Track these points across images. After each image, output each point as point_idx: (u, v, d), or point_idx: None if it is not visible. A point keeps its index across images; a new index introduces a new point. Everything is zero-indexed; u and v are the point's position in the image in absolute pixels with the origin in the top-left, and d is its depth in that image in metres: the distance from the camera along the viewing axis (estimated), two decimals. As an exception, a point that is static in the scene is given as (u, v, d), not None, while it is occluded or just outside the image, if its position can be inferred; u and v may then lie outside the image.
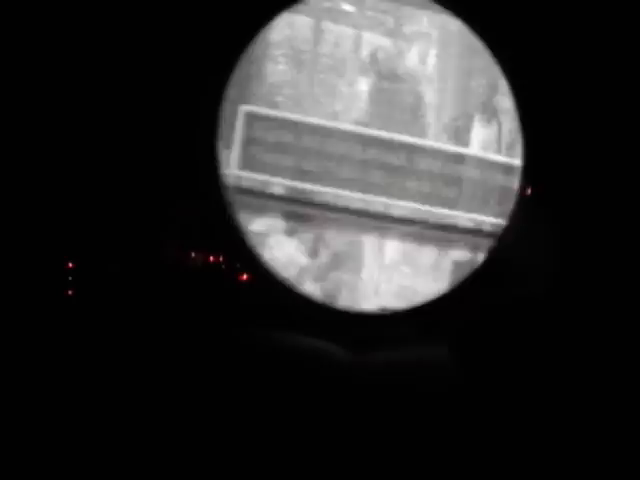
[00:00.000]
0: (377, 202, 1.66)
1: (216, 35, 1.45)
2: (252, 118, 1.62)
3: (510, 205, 1.57)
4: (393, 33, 1.73)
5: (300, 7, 1.62)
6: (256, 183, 1.64)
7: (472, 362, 1.36)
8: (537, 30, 1.49)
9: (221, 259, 1.53)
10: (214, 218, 1.49)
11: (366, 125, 1.67)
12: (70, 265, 1.48)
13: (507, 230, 1.51)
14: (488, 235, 1.67)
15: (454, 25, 1.65)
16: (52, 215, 1.47)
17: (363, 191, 1.65)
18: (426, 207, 1.67)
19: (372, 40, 1.73)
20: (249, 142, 1.62)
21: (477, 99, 1.73)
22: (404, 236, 1.68)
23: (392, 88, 1.72)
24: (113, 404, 1.31)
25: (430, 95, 1.73)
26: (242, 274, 1.52)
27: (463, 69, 1.73)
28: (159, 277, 1.47)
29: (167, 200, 1.49)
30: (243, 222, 1.54)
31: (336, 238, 1.68)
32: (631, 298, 1.45)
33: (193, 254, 1.52)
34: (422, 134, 1.70)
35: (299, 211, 1.65)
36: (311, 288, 1.65)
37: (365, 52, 1.73)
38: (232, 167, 1.61)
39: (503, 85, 1.56)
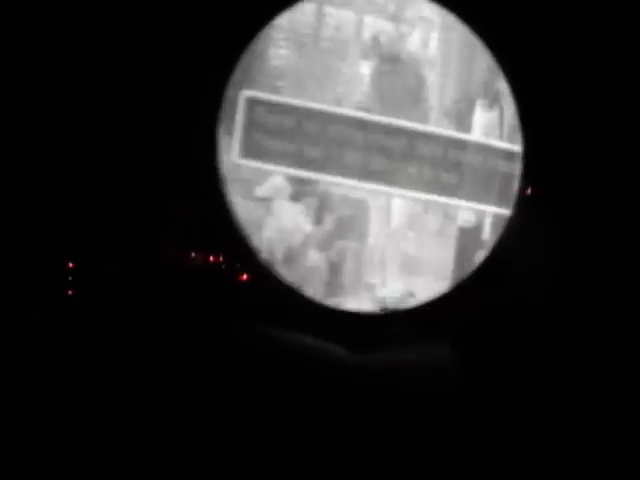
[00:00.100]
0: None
1: (216, 35, 1.44)
2: (254, 103, 1.61)
3: (511, 192, 1.58)
4: (395, 17, 1.72)
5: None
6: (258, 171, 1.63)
7: (473, 362, 1.37)
8: (537, 30, 1.49)
9: (221, 259, 1.53)
10: (214, 218, 1.49)
11: (368, 110, 1.66)
12: (70, 265, 1.48)
13: (508, 230, 1.52)
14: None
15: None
16: (52, 215, 1.47)
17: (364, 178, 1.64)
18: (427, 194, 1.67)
19: (374, 24, 1.72)
20: (251, 127, 1.61)
21: (479, 82, 1.73)
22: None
23: (394, 71, 1.71)
24: (114, 403, 1.32)
25: (432, 79, 1.72)
26: (242, 274, 1.52)
27: (465, 53, 1.72)
28: (159, 277, 1.47)
29: (167, 200, 1.49)
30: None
31: (341, 201, 1.67)
32: (631, 298, 1.46)
33: (193, 254, 1.52)
34: (424, 118, 1.69)
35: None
36: (316, 257, 1.66)
37: (367, 36, 1.72)
38: (233, 154, 1.61)
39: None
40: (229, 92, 1.54)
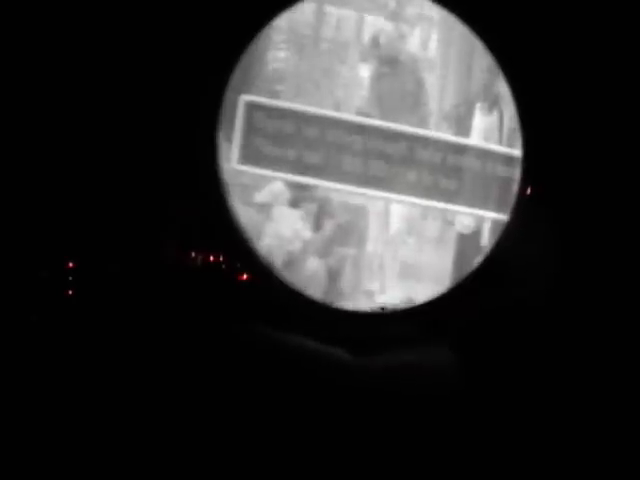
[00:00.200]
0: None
1: (216, 34, 1.43)
2: (253, 108, 1.60)
3: (511, 197, 1.57)
4: (395, 15, 1.71)
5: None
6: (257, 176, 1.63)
7: (473, 363, 1.37)
8: (538, 31, 1.47)
9: (221, 259, 1.52)
10: (214, 218, 1.49)
11: (367, 114, 1.65)
12: (70, 265, 1.47)
13: (507, 231, 1.52)
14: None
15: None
16: (52, 215, 1.46)
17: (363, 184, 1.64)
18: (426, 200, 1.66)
19: (374, 23, 1.70)
20: (250, 132, 1.60)
21: (479, 84, 1.72)
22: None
23: (393, 74, 1.70)
24: (114, 403, 1.32)
25: (431, 81, 1.71)
26: (242, 274, 1.52)
27: (465, 53, 1.71)
28: (159, 277, 1.47)
29: (167, 200, 1.48)
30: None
31: (340, 207, 1.67)
32: (632, 298, 1.47)
33: (193, 254, 1.51)
34: (423, 123, 1.69)
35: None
36: (315, 264, 1.66)
37: (367, 36, 1.70)
38: (233, 159, 1.60)
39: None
40: (228, 96, 1.53)
